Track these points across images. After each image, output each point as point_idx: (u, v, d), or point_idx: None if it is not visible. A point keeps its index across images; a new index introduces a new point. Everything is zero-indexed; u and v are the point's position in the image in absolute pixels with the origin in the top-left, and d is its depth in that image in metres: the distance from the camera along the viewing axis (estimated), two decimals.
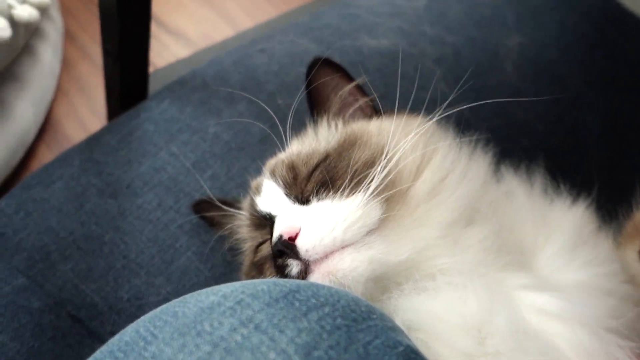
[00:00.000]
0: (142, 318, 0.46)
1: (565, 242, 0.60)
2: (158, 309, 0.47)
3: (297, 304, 0.43)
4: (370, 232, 0.53)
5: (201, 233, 0.75)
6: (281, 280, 0.47)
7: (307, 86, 0.67)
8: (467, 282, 0.53)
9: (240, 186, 0.78)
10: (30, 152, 1.02)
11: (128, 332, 0.45)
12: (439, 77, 0.99)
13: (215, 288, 0.47)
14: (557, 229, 0.61)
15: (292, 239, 0.53)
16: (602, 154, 1.06)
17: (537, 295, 0.53)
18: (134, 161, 0.79)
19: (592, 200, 0.71)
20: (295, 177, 0.59)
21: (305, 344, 0.39)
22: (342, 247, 0.52)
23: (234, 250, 0.74)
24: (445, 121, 0.71)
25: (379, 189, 0.54)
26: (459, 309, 0.51)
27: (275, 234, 0.54)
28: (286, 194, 0.59)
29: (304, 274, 0.53)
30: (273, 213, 0.58)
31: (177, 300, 0.47)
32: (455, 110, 0.64)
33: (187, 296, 0.47)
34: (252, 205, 0.62)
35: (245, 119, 0.82)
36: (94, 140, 0.82)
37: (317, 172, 0.58)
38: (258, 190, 0.62)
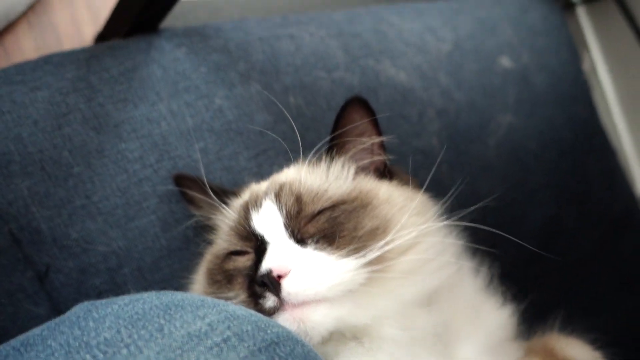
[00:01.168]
0: (120, 314, 0.46)
1: (484, 341, 0.67)
2: (139, 309, 0.46)
3: (276, 359, 0.45)
4: (346, 293, 0.56)
5: (172, 202, 0.74)
6: (263, 322, 0.48)
7: (337, 119, 0.67)
8: (403, 355, 0.58)
9: (226, 170, 0.77)
10: (9, 27, 0.92)
11: (106, 327, 0.44)
12: (436, 130, 1.02)
13: (202, 309, 0.47)
14: (482, 326, 0.68)
15: (279, 277, 0.54)
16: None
17: None
18: (129, 101, 0.75)
19: (521, 308, 0.79)
20: (299, 212, 0.60)
21: None
22: (319, 300, 0.55)
23: (198, 232, 0.74)
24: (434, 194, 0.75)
25: (373, 260, 0.57)
26: None
27: (265, 266, 0.55)
28: (285, 225, 0.59)
29: (275, 310, 0.55)
30: (267, 238, 0.59)
31: (160, 306, 0.47)
32: (453, 214, 0.67)
33: (172, 307, 0.47)
34: (246, 217, 0.62)
35: (255, 105, 0.81)
36: (94, 59, 0.76)
37: (321, 218, 0.59)
38: (257, 204, 0.62)
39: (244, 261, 0.61)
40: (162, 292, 0.51)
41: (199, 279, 0.66)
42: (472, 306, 0.69)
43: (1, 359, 0.43)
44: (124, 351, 0.41)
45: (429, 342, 0.60)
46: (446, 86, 1.08)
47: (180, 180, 0.72)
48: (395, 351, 0.57)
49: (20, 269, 0.67)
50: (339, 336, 0.58)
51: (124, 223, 0.71)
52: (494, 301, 0.73)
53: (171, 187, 0.74)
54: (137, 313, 0.46)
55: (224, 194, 0.68)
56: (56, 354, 0.42)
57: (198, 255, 0.71)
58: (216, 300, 0.51)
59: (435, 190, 0.98)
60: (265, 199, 0.62)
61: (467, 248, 0.73)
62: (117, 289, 0.70)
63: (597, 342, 0.76)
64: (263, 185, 0.67)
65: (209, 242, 0.69)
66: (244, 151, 0.79)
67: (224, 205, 0.65)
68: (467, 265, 0.74)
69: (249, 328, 0.46)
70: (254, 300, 0.56)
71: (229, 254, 0.63)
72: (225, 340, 0.44)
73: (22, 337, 0.46)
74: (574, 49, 1.39)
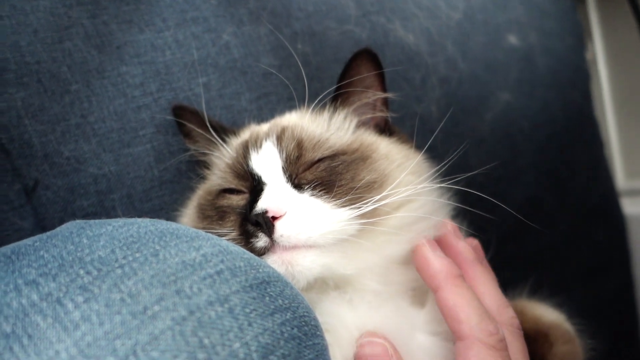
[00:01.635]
0: (116, 235, 0.45)
1: None
2: (134, 231, 0.46)
3: (267, 299, 0.45)
4: (336, 242, 0.57)
5: (169, 133, 0.73)
6: (255, 260, 0.49)
7: (345, 69, 0.66)
8: (382, 306, 0.59)
9: (226, 108, 0.76)
10: None
11: (100, 246, 0.44)
12: (436, 97, 1.02)
13: (197, 240, 0.47)
14: None
15: (274, 219, 0.55)
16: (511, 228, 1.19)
17: (425, 338, 0.62)
18: (135, 24, 0.72)
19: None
20: (298, 158, 0.60)
21: (265, 345, 0.42)
22: (309, 246, 0.55)
23: (191, 166, 0.73)
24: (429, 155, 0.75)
25: (366, 213, 0.57)
26: (366, 324, 0.58)
27: (261, 206, 0.55)
28: (283, 169, 0.59)
29: (265, 250, 0.55)
30: (264, 179, 0.59)
31: (155, 232, 0.47)
32: (447, 163, 0.68)
33: (167, 234, 0.47)
34: (245, 156, 0.62)
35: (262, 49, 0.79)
36: None
37: (320, 166, 0.59)
38: (257, 145, 0.62)
39: (237, 200, 0.61)
40: (156, 220, 0.51)
41: (189, 212, 0.66)
42: None
43: None
44: (119, 271, 0.41)
45: (405, 296, 0.62)
46: (452, 55, 1.07)
47: (180, 111, 0.71)
48: (374, 303, 0.59)
49: (8, 181, 0.65)
50: (322, 284, 0.59)
51: (118, 148, 0.70)
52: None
53: (169, 118, 0.72)
54: (132, 236, 0.46)
55: (223, 131, 0.67)
56: (49, 265, 0.41)
57: (189, 190, 0.71)
58: (210, 234, 0.51)
59: (428, 155, 0.99)
60: (266, 140, 0.62)
61: (457, 211, 0.74)
62: (104, 213, 0.69)
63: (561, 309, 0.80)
64: (264, 127, 0.66)
65: (202, 177, 0.69)
66: (246, 92, 0.77)
67: (222, 142, 0.65)
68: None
69: (242, 264, 0.47)
70: (245, 239, 0.56)
71: (223, 191, 0.63)
72: (218, 273, 0.44)
73: (11, 246, 0.46)
74: (580, 36, 1.38)
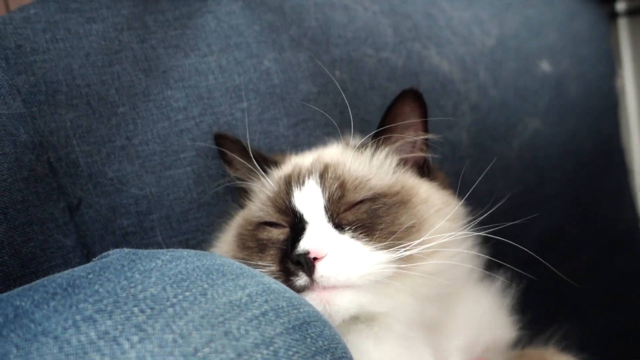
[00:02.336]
0: (165, 272, 0.47)
1: (470, 343, 0.70)
2: (182, 268, 0.48)
3: (308, 340, 0.47)
4: (372, 283, 0.58)
5: (208, 157, 0.74)
6: (296, 299, 0.50)
7: (390, 108, 0.67)
8: (404, 343, 0.61)
9: (265, 134, 0.78)
10: None
11: (152, 282, 0.45)
12: (467, 124, 1.03)
13: (242, 279, 0.49)
14: (475, 330, 0.71)
15: (315, 259, 0.56)
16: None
17: None
18: (181, 49, 0.74)
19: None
20: (340, 198, 0.61)
21: None
22: (347, 286, 0.57)
23: (229, 190, 0.75)
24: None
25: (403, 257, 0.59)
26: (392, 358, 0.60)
27: (303, 246, 0.56)
28: (325, 208, 0.61)
29: (304, 289, 0.57)
30: (306, 218, 0.60)
31: (201, 266, 0.48)
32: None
33: (213, 271, 0.49)
34: (288, 191, 0.63)
35: (302, 74, 0.80)
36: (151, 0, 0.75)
37: (362, 207, 0.61)
38: (300, 181, 0.63)
39: (277, 234, 0.62)
40: (201, 253, 0.53)
41: (227, 239, 0.68)
42: (474, 312, 0.71)
43: (49, 296, 0.44)
44: (170, 310, 0.43)
45: (427, 333, 0.63)
46: (484, 81, 1.08)
47: (221, 139, 0.72)
48: (399, 338, 0.61)
49: (54, 199, 0.68)
50: (353, 318, 0.60)
51: (160, 170, 0.72)
52: (498, 313, 0.75)
53: (210, 142, 0.74)
54: (180, 272, 0.47)
55: (264, 161, 0.69)
56: (104, 301, 0.43)
57: (226, 214, 0.72)
58: (252, 270, 0.52)
59: (456, 181, 1.00)
60: (308, 177, 0.63)
61: (488, 261, 0.75)
62: (143, 233, 0.71)
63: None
64: (306, 161, 0.67)
65: (240, 205, 0.71)
66: (284, 118, 0.79)
67: (263, 174, 0.66)
68: (481, 275, 0.77)
69: (284, 304, 0.48)
70: (285, 275, 0.58)
71: (263, 224, 0.64)
72: (263, 314, 0.46)
73: (65, 276, 0.47)
74: (612, 63, 1.38)
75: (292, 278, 0.57)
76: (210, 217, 0.74)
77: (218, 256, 0.54)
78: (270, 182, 0.65)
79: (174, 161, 0.73)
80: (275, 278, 0.57)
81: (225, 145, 0.72)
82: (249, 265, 0.58)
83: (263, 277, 0.52)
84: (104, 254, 0.56)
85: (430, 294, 0.62)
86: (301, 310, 0.49)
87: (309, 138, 0.81)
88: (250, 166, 0.67)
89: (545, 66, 1.21)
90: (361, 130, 0.87)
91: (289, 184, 0.63)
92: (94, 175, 0.69)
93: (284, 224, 0.62)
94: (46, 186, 0.67)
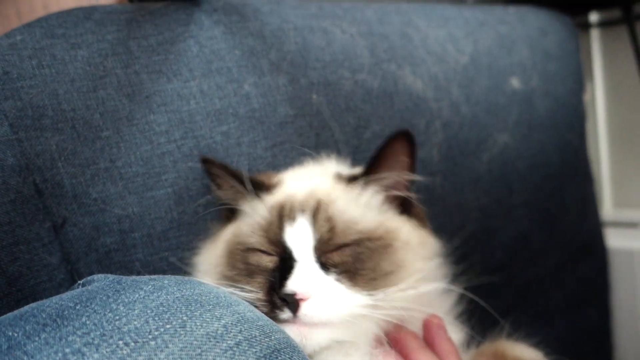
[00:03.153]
0: (148, 304, 0.51)
1: None
2: (163, 300, 0.52)
3: None
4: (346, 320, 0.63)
5: (189, 179, 0.78)
6: (268, 327, 0.55)
7: (383, 148, 0.70)
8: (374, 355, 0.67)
9: (244, 156, 0.81)
10: None
11: (135, 315, 0.49)
12: (439, 142, 1.08)
13: (218, 309, 0.53)
14: None
15: (301, 300, 0.61)
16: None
17: None
18: (164, 74, 0.77)
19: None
20: (329, 239, 0.66)
21: None
22: (324, 324, 0.62)
23: (208, 207, 0.79)
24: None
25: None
26: None
27: (291, 288, 0.61)
28: (314, 248, 0.65)
29: (286, 322, 0.62)
30: (295, 255, 0.64)
31: (181, 297, 0.53)
32: None
33: (192, 302, 0.53)
34: (280, 225, 0.66)
35: (281, 97, 0.84)
36: (134, 23, 0.77)
37: (347, 250, 0.65)
38: (291, 217, 0.66)
39: (267, 261, 0.67)
40: (181, 281, 0.57)
41: (216, 252, 0.72)
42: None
43: (39, 328, 0.48)
44: (152, 343, 0.47)
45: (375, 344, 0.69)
46: (456, 99, 1.13)
47: (208, 163, 0.75)
48: (366, 353, 0.66)
49: (40, 219, 0.71)
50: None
51: (142, 191, 0.75)
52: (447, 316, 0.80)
53: (191, 164, 0.77)
54: (162, 304, 0.51)
55: (254, 183, 0.71)
56: (92, 334, 0.47)
57: (205, 230, 0.76)
58: (229, 299, 0.56)
59: (427, 196, 1.05)
60: (301, 214, 0.67)
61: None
62: (125, 250, 0.75)
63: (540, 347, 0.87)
64: (298, 192, 0.70)
65: (227, 218, 0.74)
66: (262, 140, 0.83)
67: (257, 198, 0.70)
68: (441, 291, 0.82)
69: (257, 333, 0.53)
70: (270, 306, 0.63)
71: (252, 250, 0.68)
72: (237, 344, 0.50)
73: (55, 306, 0.51)
74: (581, 78, 1.44)
75: (276, 311, 0.62)
76: (190, 235, 0.78)
77: (197, 284, 0.58)
78: (263, 208, 0.69)
79: (156, 182, 0.76)
80: (260, 305, 0.62)
81: (213, 168, 0.75)
82: (236, 287, 0.64)
83: (238, 305, 0.56)
84: (88, 278, 0.60)
85: (396, 320, 0.67)
86: (272, 338, 0.54)
87: (286, 159, 0.84)
88: (240, 189, 0.70)
89: (516, 82, 1.26)
90: (336, 151, 0.91)
91: (281, 217, 0.67)
92: (78, 195, 0.72)
93: (274, 254, 0.67)
94: (32, 207, 0.70)
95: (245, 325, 0.53)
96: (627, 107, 1.75)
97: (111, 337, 0.47)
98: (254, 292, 0.64)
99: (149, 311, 0.50)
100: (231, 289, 0.64)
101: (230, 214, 0.75)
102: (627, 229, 1.68)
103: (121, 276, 0.56)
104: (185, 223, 0.78)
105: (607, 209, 1.85)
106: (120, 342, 0.47)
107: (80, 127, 0.72)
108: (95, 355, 0.45)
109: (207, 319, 0.51)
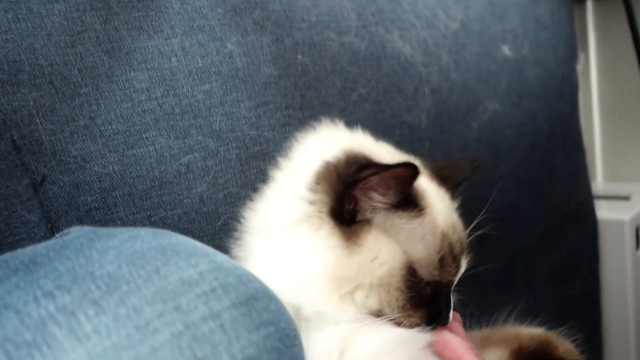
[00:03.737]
0: (122, 250, 0.50)
1: None
2: (138, 247, 0.51)
3: (254, 314, 0.51)
4: None
5: (171, 137, 0.77)
6: (245, 276, 0.55)
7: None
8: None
9: (226, 115, 0.80)
10: None
11: (109, 261, 0.49)
12: (427, 107, 1.07)
13: (194, 258, 0.53)
14: None
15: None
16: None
17: None
18: (144, 31, 0.76)
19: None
20: None
21: (250, 357, 0.48)
22: None
23: (189, 167, 0.78)
24: None
25: None
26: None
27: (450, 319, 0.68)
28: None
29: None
30: (450, 291, 0.69)
31: (158, 247, 0.52)
32: None
33: (168, 250, 0.52)
34: (456, 265, 0.68)
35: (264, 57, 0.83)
36: None
37: None
38: (462, 254, 0.70)
39: (429, 291, 0.67)
40: (158, 231, 0.56)
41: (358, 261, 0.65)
42: None
43: (11, 272, 0.47)
44: (125, 287, 0.47)
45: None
46: (446, 65, 1.12)
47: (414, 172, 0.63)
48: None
49: (17, 176, 0.70)
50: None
51: (122, 149, 0.74)
52: None
53: (172, 122, 0.77)
54: (136, 251, 0.51)
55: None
56: (64, 278, 0.47)
57: (188, 190, 0.76)
58: (206, 249, 0.56)
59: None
60: (464, 257, 0.70)
61: None
62: (106, 209, 0.74)
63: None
64: (462, 231, 0.72)
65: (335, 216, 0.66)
66: (246, 100, 0.82)
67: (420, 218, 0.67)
68: None
69: (233, 281, 0.52)
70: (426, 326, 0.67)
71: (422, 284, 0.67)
72: (212, 290, 0.50)
73: (28, 253, 0.51)
74: (574, 48, 1.43)
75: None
76: (172, 194, 0.77)
77: (174, 235, 0.57)
78: (432, 234, 0.67)
79: (137, 140, 0.75)
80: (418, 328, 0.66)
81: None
82: (393, 310, 0.65)
83: (216, 255, 0.56)
84: (65, 231, 0.59)
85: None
86: (249, 286, 0.53)
87: (270, 120, 0.83)
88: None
89: (507, 50, 1.25)
90: (322, 113, 0.90)
91: (458, 258, 0.69)
92: (57, 153, 0.72)
93: (442, 287, 0.68)
94: (9, 163, 0.69)
95: (221, 273, 0.52)
96: (620, 79, 1.74)
97: (83, 280, 0.47)
98: (416, 321, 0.67)
99: (122, 257, 0.50)
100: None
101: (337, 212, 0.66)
102: (618, 202, 1.69)
103: (98, 227, 0.56)
104: (167, 182, 0.77)
105: (599, 182, 1.85)
106: (92, 285, 0.46)
107: (59, 83, 0.71)
108: (67, 297, 0.45)
109: (182, 266, 0.51)
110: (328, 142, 0.73)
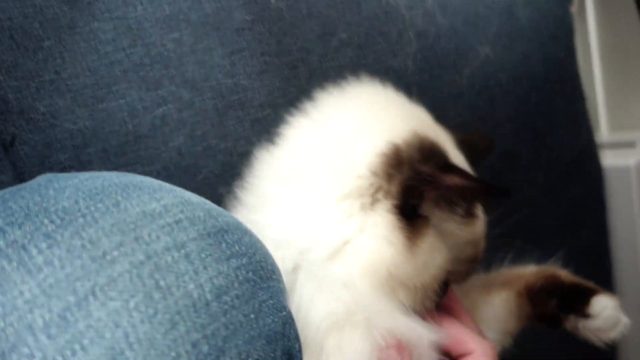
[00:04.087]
0: (81, 187, 0.48)
1: None
2: (98, 184, 0.49)
3: (223, 245, 0.49)
4: None
5: (142, 89, 0.74)
6: (215, 211, 0.52)
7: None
8: None
9: (199, 64, 0.78)
10: None
11: (65, 197, 0.47)
12: (413, 52, 1.03)
13: (159, 192, 0.50)
14: None
15: None
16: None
17: None
18: None
19: None
20: None
21: (219, 286, 0.46)
22: None
23: (164, 120, 0.76)
24: None
25: None
26: None
27: None
28: None
29: None
30: None
31: (119, 184, 0.50)
32: None
33: (130, 186, 0.50)
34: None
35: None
36: None
37: None
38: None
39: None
40: (123, 173, 0.54)
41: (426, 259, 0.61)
42: None
43: None
44: (81, 220, 0.44)
45: None
46: (430, 8, 1.08)
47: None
48: None
49: None
50: None
51: (92, 104, 0.72)
52: None
53: (142, 73, 0.74)
54: (95, 188, 0.48)
55: None
56: (16, 215, 0.44)
57: (165, 144, 0.73)
58: (174, 187, 0.53)
59: None
60: None
61: None
62: (81, 167, 0.72)
63: None
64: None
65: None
66: (219, 47, 0.79)
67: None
68: None
69: (201, 214, 0.50)
70: None
71: None
72: (177, 222, 0.47)
73: None
74: None
75: None
76: (149, 149, 0.75)
77: (140, 175, 0.55)
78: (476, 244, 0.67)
79: (106, 94, 0.73)
80: None
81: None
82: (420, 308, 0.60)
83: (184, 192, 0.53)
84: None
85: None
86: (219, 220, 0.51)
87: (246, 68, 0.80)
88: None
89: None
90: (301, 60, 0.87)
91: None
92: (25, 111, 0.69)
93: None
94: None
95: (188, 207, 0.50)
96: (620, 22, 1.68)
97: (36, 216, 0.44)
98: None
99: (80, 193, 0.47)
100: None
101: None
102: (623, 149, 1.64)
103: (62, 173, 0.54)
104: (142, 136, 0.75)
105: (603, 131, 1.81)
106: (46, 219, 0.44)
107: (19, 37, 0.69)
108: (18, 232, 0.43)
109: (145, 200, 0.48)
110: (386, 113, 0.67)
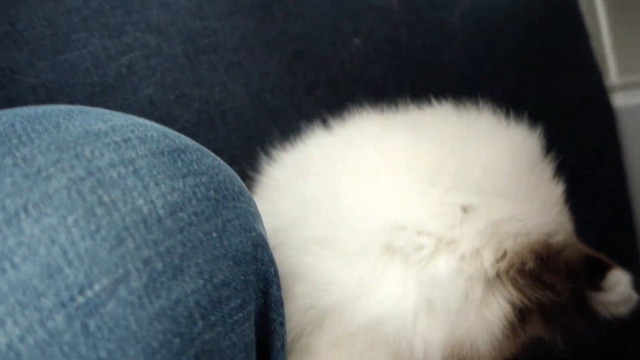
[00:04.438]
0: (20, 112, 0.44)
1: None
2: (40, 110, 0.45)
3: (179, 163, 0.44)
4: None
5: (104, 37, 0.70)
6: (173, 134, 0.48)
7: None
8: None
9: (163, 7, 0.73)
10: None
11: (2, 122, 0.43)
12: None
13: (107, 115, 0.46)
14: None
15: None
16: None
17: None
18: None
19: None
20: None
21: (173, 203, 0.42)
22: None
23: (131, 69, 0.72)
24: None
25: None
26: None
27: None
28: None
29: None
30: None
31: (63, 109, 0.46)
32: None
33: (75, 110, 0.46)
34: None
35: None
36: None
37: None
38: None
39: None
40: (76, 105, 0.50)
41: None
42: None
43: None
44: (15, 140, 0.40)
45: None
46: None
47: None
48: None
49: None
50: None
51: (52, 55, 0.68)
52: None
53: (103, 20, 0.70)
54: (37, 112, 0.45)
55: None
56: None
57: (134, 93, 0.69)
58: (131, 115, 0.49)
59: (392, 48, 0.96)
60: None
61: None
62: None
63: None
64: None
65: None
66: None
67: None
68: None
69: (155, 134, 0.46)
70: None
71: None
72: (125, 140, 0.43)
73: None
74: None
75: None
76: (118, 100, 0.71)
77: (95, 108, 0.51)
78: None
79: (66, 44, 0.69)
80: None
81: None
82: None
83: (140, 119, 0.49)
84: None
85: None
86: (176, 141, 0.47)
87: (215, 9, 0.76)
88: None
89: None
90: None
91: None
92: None
93: None
94: None
95: (140, 128, 0.45)
96: None
97: None
98: None
99: (18, 117, 0.44)
100: None
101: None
102: (634, 90, 1.56)
103: None
104: (109, 86, 0.71)
105: (613, 75, 1.72)
106: None
107: None
108: None
109: (90, 121, 0.44)
110: None
